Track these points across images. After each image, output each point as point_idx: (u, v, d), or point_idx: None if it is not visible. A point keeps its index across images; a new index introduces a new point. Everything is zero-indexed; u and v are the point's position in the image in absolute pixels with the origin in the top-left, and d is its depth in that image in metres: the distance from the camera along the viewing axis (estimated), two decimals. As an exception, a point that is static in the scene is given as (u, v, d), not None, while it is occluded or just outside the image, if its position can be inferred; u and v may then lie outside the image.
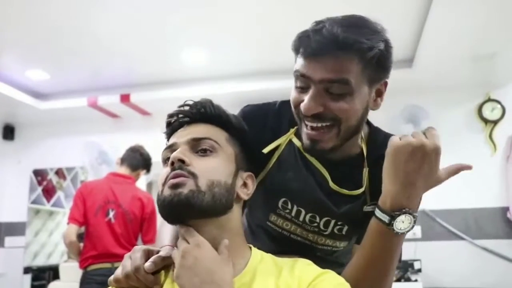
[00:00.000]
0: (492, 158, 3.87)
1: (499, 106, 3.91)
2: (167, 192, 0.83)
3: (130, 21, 3.03)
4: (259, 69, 3.85)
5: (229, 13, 2.94)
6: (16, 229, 4.79)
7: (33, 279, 4.71)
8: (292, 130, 1.10)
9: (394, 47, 0.97)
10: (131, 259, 0.89)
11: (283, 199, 1.10)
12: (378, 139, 1.08)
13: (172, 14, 2.93)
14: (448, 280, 3.73)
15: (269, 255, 0.92)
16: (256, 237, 1.19)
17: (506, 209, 3.78)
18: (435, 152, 0.85)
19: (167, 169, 0.86)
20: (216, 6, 2.86)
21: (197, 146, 0.89)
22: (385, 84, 1.01)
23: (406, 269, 3.63)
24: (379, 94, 1.00)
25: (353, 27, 0.92)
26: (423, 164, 0.86)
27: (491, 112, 3.91)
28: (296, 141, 1.08)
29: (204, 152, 0.89)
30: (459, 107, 3.99)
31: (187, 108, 0.95)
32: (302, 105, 0.95)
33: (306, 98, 0.94)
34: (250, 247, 0.92)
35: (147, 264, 0.86)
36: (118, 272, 0.89)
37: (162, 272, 0.89)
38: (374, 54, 0.91)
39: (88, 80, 4.13)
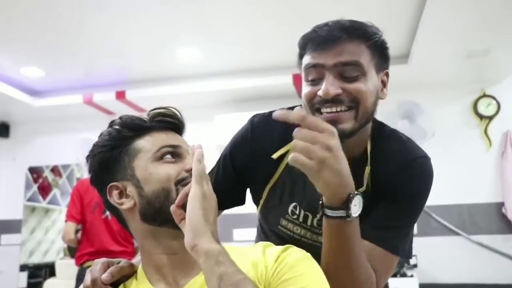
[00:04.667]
0: (487, 154, 3.88)
1: (494, 101, 3.92)
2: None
3: (125, 18, 3.02)
4: (252, 66, 3.85)
5: (223, 11, 2.94)
6: (12, 226, 4.78)
7: (29, 276, 4.71)
8: None
9: (389, 43, 1.02)
10: (91, 272, 0.89)
11: (294, 203, 1.13)
12: (382, 134, 1.11)
13: (167, 12, 2.92)
14: (444, 275, 3.76)
15: (229, 246, 0.93)
16: (269, 240, 1.21)
17: (501, 205, 3.80)
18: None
19: (177, 169, 0.88)
20: (210, 4, 2.85)
21: None
22: (387, 74, 1.07)
23: (402, 265, 3.64)
24: (384, 84, 1.06)
25: (355, 21, 1.01)
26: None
27: (486, 107, 3.93)
28: None
29: None
30: (454, 103, 4.00)
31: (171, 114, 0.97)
32: (320, 91, 0.96)
33: (323, 84, 0.96)
34: None
35: (104, 275, 0.86)
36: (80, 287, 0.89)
37: (123, 286, 0.89)
38: (378, 39, 1.00)
39: (83, 77, 4.12)
